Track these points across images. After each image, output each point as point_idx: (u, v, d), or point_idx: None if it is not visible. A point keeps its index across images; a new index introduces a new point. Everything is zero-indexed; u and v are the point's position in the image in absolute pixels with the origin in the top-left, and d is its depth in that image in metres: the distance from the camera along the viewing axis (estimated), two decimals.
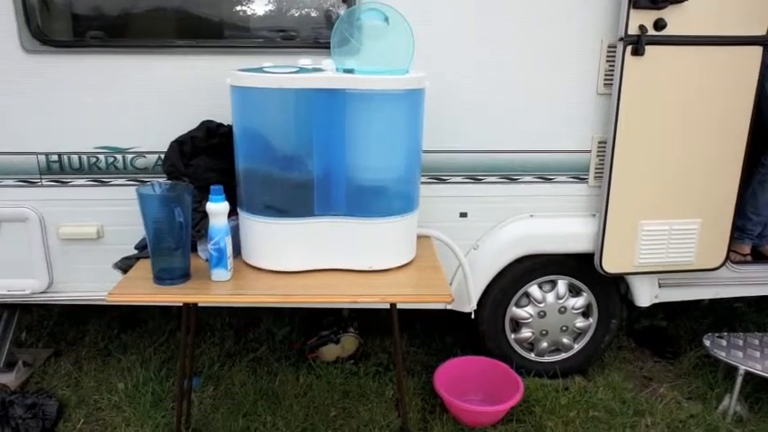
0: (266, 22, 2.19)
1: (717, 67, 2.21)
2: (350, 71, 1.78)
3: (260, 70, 1.76)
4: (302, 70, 1.77)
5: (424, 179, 2.25)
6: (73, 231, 2.28)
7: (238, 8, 2.17)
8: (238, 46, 2.15)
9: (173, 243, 1.70)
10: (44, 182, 2.24)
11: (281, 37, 2.17)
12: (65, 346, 2.88)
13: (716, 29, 2.16)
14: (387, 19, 1.88)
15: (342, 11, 2.12)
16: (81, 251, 2.32)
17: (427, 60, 2.07)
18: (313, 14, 2.20)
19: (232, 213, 1.81)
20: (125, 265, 1.93)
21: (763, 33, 2.18)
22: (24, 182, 2.23)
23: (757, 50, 2.20)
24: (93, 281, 2.34)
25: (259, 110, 1.75)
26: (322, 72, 1.77)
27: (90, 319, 3.06)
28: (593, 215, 2.41)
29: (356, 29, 1.91)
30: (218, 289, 1.75)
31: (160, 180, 1.97)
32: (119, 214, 2.26)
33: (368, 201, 1.82)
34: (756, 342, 2.59)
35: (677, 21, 2.14)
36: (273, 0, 2.17)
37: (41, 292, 2.36)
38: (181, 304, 1.98)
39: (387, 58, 1.86)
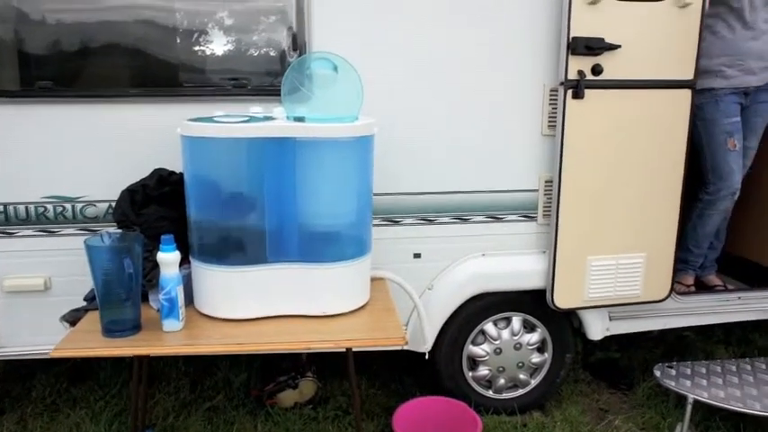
0: (218, 70, 2.21)
1: (651, 109, 2.33)
2: (300, 119, 1.82)
3: (210, 120, 1.78)
4: (252, 119, 1.80)
5: (377, 221, 2.28)
6: (19, 284, 2.22)
7: (190, 57, 2.19)
8: (190, 94, 2.17)
9: (122, 294, 1.68)
10: None
11: (232, 85, 2.20)
12: (8, 404, 2.76)
13: (648, 73, 2.30)
14: (336, 68, 1.93)
15: (293, 59, 2.17)
16: (27, 304, 2.24)
17: (376, 107, 2.12)
18: (264, 62, 2.23)
19: (184, 261, 1.80)
20: (73, 318, 1.88)
21: (691, 78, 2.33)
22: None
23: (687, 93, 2.34)
24: (40, 334, 2.24)
25: (210, 159, 1.77)
26: (272, 120, 1.80)
27: (37, 372, 2.94)
28: (543, 252, 2.48)
29: (306, 77, 1.95)
30: (170, 339, 1.72)
31: (110, 230, 1.95)
32: (67, 265, 2.20)
33: (320, 246, 1.83)
34: (703, 370, 2.67)
35: (612, 66, 2.26)
36: (225, 48, 2.20)
37: None
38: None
39: (336, 105, 1.90)
